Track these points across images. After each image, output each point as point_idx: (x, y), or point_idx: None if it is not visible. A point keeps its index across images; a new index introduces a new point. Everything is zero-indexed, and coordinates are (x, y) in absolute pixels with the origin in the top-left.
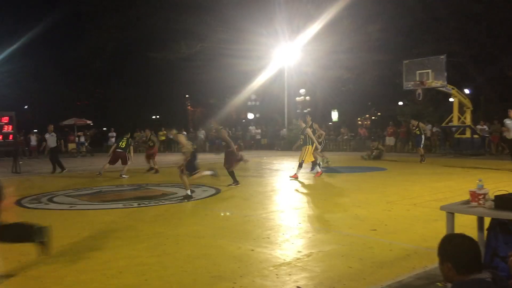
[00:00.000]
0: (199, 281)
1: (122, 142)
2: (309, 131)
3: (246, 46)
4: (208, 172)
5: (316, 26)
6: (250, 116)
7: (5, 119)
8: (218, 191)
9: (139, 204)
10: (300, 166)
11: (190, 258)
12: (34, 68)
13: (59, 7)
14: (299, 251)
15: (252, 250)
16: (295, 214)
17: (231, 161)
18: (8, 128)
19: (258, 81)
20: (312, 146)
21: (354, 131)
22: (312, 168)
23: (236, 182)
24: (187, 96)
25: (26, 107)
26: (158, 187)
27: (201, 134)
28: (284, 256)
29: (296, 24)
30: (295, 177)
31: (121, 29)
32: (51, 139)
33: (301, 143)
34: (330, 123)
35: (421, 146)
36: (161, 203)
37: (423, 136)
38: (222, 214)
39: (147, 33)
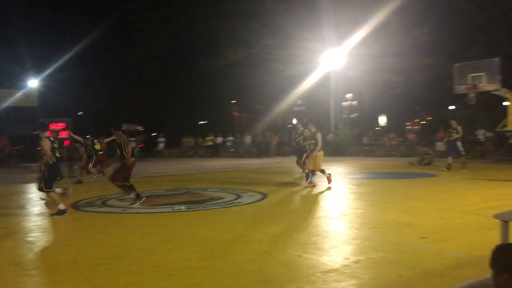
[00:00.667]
0: (248, 286)
1: (96, 145)
2: (319, 136)
3: (293, 51)
4: (59, 190)
5: (363, 31)
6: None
7: (62, 125)
8: (264, 196)
9: (188, 208)
10: (323, 172)
11: (238, 263)
12: (87, 76)
13: (111, 16)
14: (347, 258)
15: (299, 256)
16: (342, 220)
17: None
18: (64, 134)
19: (304, 86)
20: (319, 151)
21: (402, 136)
22: (307, 177)
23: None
24: (233, 102)
25: (80, 113)
26: (206, 192)
27: (247, 139)
28: (332, 262)
29: (343, 29)
30: (329, 181)
31: (170, 38)
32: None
33: (312, 148)
34: (378, 128)
35: (461, 154)
36: (209, 207)
37: (459, 143)
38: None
39: (195, 40)
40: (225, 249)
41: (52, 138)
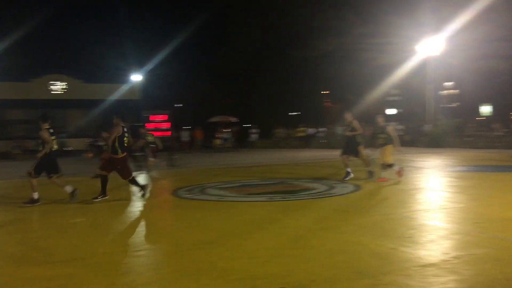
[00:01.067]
0: (341, 276)
1: (149, 137)
2: (390, 129)
3: (386, 39)
4: (68, 188)
5: (465, 15)
6: (391, 111)
7: (164, 117)
8: (357, 188)
9: (282, 198)
10: (386, 167)
11: (332, 253)
12: (184, 70)
13: (206, 11)
14: (446, 253)
15: (394, 248)
16: (440, 214)
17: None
18: (166, 125)
19: (398, 75)
20: (393, 145)
21: (509, 127)
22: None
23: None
24: (324, 92)
25: (179, 105)
26: (299, 182)
27: (339, 130)
28: (430, 257)
29: (443, 14)
30: (383, 180)
31: (263, 30)
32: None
33: (383, 142)
34: (482, 118)
35: None
36: (302, 197)
37: None
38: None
39: (287, 31)
40: (318, 239)
41: (51, 130)
